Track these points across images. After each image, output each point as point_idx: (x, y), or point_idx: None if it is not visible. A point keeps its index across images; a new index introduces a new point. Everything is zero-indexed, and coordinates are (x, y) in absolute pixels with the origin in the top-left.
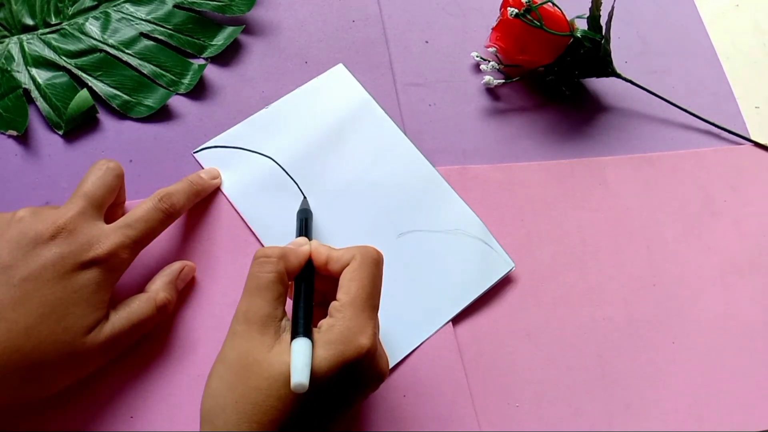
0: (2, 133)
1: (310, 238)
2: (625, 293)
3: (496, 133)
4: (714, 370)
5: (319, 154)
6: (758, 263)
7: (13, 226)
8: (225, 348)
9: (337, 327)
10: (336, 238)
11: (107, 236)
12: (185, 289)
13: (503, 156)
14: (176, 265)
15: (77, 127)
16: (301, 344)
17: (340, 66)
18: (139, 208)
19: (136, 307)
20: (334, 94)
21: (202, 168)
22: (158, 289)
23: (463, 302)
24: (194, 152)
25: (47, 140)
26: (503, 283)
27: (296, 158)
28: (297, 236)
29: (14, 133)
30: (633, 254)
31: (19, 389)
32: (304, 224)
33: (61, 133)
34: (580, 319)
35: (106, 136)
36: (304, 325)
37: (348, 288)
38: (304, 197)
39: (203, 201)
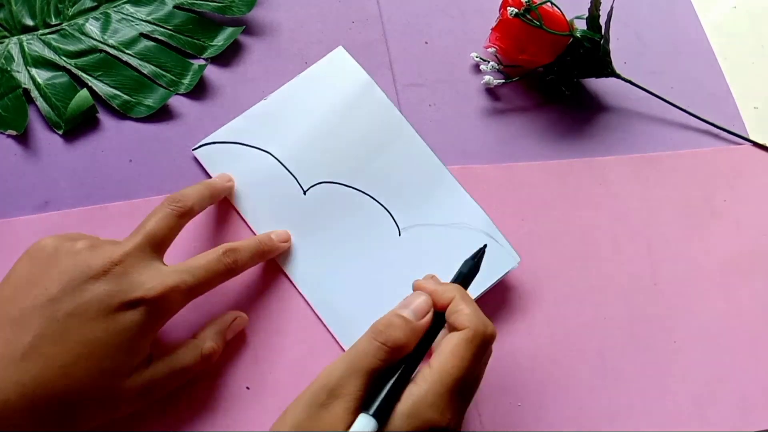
0: (2, 133)
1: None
2: (626, 293)
3: (497, 133)
4: (715, 369)
5: (320, 143)
6: (758, 262)
7: (69, 257)
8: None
9: (413, 398)
10: (337, 233)
11: (162, 278)
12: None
13: (503, 156)
14: (228, 315)
15: (77, 127)
16: (362, 422)
17: (340, 49)
18: (201, 257)
19: (180, 355)
20: (335, 78)
21: (202, 166)
22: (206, 337)
23: None
24: (193, 149)
25: (47, 140)
26: (504, 283)
27: (296, 149)
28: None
29: (14, 132)
30: (633, 254)
31: (49, 425)
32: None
33: (60, 132)
34: (582, 318)
35: (106, 136)
36: (380, 402)
37: (445, 360)
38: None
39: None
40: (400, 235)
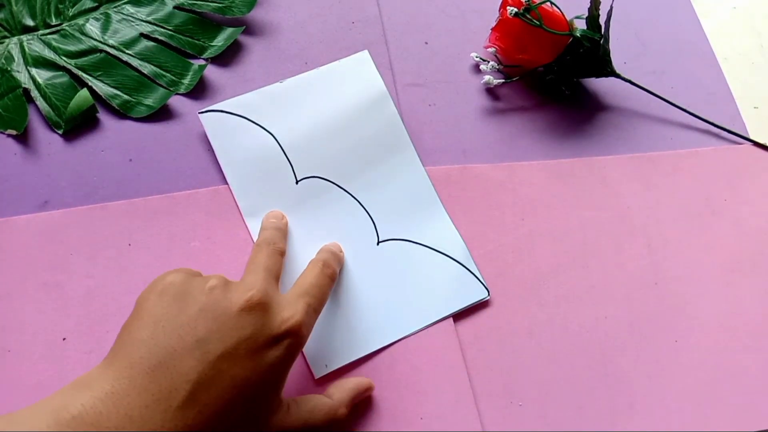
0: (2, 133)
1: None
2: (627, 292)
3: (497, 133)
4: (716, 368)
5: (323, 138)
6: (759, 262)
7: (205, 294)
8: None
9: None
10: (318, 228)
11: (293, 306)
12: None
13: (503, 155)
14: (364, 384)
15: (77, 126)
16: None
17: (365, 53)
18: (307, 276)
19: (316, 411)
20: (353, 80)
21: (205, 132)
22: (343, 403)
23: (428, 320)
24: (200, 112)
25: (47, 140)
26: (505, 282)
27: (299, 138)
28: None
29: (14, 132)
30: (634, 253)
31: None
32: None
33: (60, 132)
34: (583, 318)
35: (106, 135)
36: None
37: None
38: None
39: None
40: (378, 245)
